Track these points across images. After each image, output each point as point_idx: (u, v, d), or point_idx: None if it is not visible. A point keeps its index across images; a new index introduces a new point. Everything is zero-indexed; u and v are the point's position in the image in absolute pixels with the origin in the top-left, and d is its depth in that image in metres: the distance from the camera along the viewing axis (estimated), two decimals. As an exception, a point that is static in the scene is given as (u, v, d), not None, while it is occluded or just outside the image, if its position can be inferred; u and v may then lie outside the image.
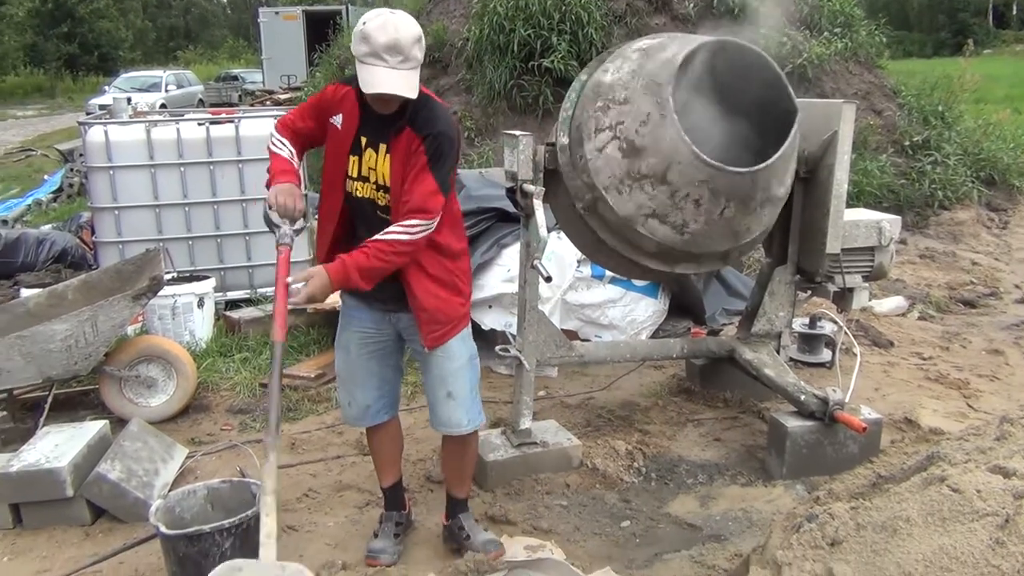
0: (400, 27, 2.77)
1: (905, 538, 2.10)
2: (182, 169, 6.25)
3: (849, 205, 4.15)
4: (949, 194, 8.82)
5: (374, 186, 2.97)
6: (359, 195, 3.01)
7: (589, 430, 4.46)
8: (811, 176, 4.10)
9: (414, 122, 2.87)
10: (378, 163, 2.94)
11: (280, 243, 2.95)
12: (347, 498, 3.90)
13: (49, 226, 8.82)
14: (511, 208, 5.09)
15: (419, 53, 2.81)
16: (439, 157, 2.88)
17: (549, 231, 3.74)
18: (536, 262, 3.60)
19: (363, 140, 2.95)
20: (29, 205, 11.11)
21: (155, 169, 6.21)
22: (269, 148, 3.11)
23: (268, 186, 3.05)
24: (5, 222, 9.82)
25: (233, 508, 3.31)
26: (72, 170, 11.65)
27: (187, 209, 6.33)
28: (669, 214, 3.59)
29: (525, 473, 3.97)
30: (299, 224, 3.03)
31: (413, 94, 2.79)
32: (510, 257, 5.39)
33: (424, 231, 2.88)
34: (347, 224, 3.10)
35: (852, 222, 4.20)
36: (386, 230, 2.86)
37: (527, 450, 4.01)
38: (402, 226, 2.85)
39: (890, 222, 4.30)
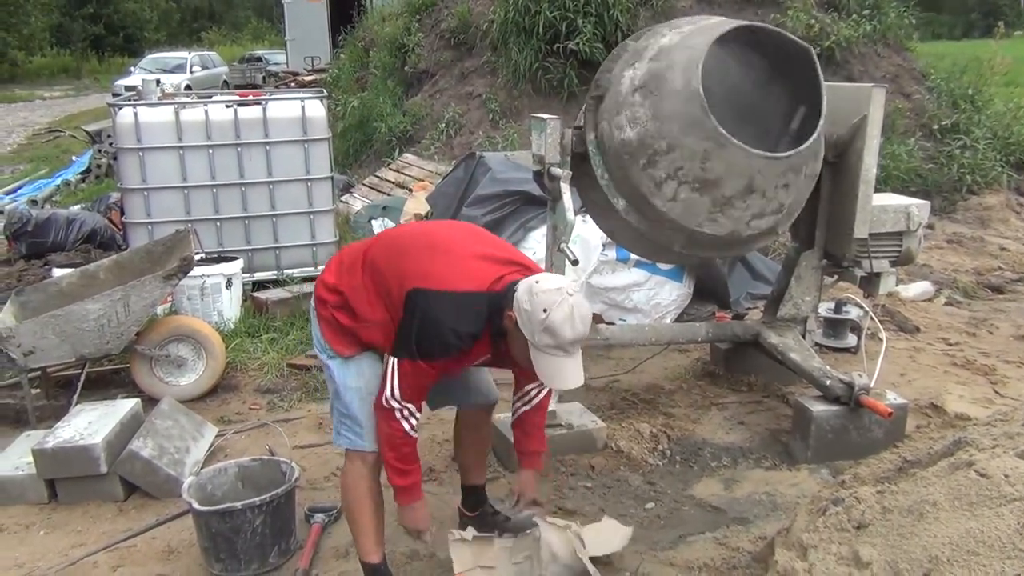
0: (586, 318, 2.56)
1: (932, 522, 2.11)
2: (210, 151, 6.30)
3: (876, 190, 4.13)
4: (978, 178, 8.72)
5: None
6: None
7: (614, 412, 4.48)
8: (839, 160, 4.08)
9: None
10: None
11: (312, 521, 3.47)
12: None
13: (78, 207, 8.91)
14: (536, 191, 5.11)
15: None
16: None
17: (575, 214, 3.75)
18: (563, 245, 3.62)
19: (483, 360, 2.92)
20: (58, 186, 11.23)
21: (183, 151, 6.26)
22: (392, 429, 2.76)
23: (401, 493, 2.87)
24: (35, 202, 9.93)
25: (263, 486, 3.37)
26: (100, 151, 11.75)
27: (215, 191, 6.38)
28: (764, 210, 3.62)
29: (550, 455, 4.00)
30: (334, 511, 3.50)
31: (583, 377, 2.65)
32: (535, 240, 5.42)
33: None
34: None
35: (880, 207, 4.18)
36: (527, 396, 3.03)
37: (552, 432, 4.03)
38: (537, 385, 2.98)
39: (919, 207, 4.28)
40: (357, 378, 2.87)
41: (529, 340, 2.55)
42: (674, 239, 3.79)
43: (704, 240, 3.73)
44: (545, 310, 2.50)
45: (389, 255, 2.84)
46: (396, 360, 2.72)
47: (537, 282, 2.57)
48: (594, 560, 2.99)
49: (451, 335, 2.63)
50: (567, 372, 2.59)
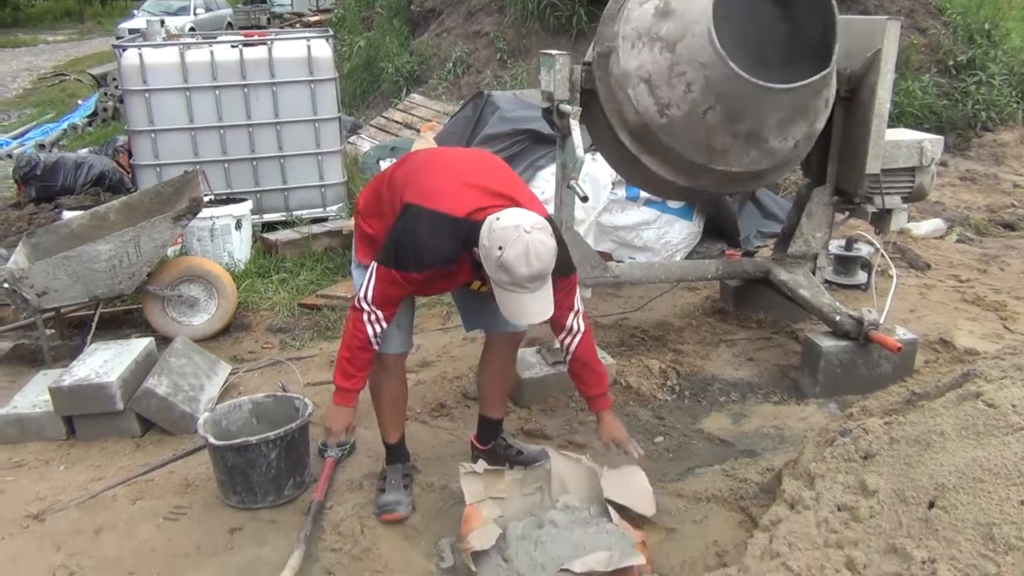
0: (542, 255, 2.54)
1: (939, 451, 2.14)
2: (216, 92, 6.27)
3: (889, 127, 4.08)
4: (993, 115, 8.61)
5: None
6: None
7: (623, 349, 4.51)
8: (852, 95, 4.03)
9: None
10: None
11: (327, 455, 3.45)
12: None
13: (86, 150, 8.90)
14: (545, 129, 5.07)
15: (555, 257, 2.63)
16: (561, 271, 2.78)
17: (585, 152, 3.73)
18: (572, 182, 3.61)
19: (477, 283, 2.94)
20: (65, 129, 11.21)
21: (190, 92, 6.23)
22: (356, 328, 2.85)
23: (338, 392, 2.97)
24: (43, 146, 9.92)
25: (277, 421, 3.42)
26: (106, 94, 11.69)
27: (222, 132, 6.36)
28: (660, 86, 3.51)
29: (560, 390, 4.04)
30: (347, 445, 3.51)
31: (552, 310, 2.68)
32: (544, 179, 5.40)
33: (580, 314, 3.02)
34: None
35: (893, 142, 4.13)
36: (566, 347, 3.05)
37: (562, 368, 4.05)
38: (568, 332, 3.01)
39: (932, 142, 4.23)
40: None
41: (489, 276, 2.61)
42: (681, 175, 3.76)
43: (713, 175, 3.70)
44: (500, 247, 2.53)
45: (406, 172, 2.93)
46: (375, 264, 2.81)
47: (498, 218, 2.59)
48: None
49: (425, 251, 2.70)
50: (528, 308, 2.63)
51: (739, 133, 3.52)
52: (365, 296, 2.81)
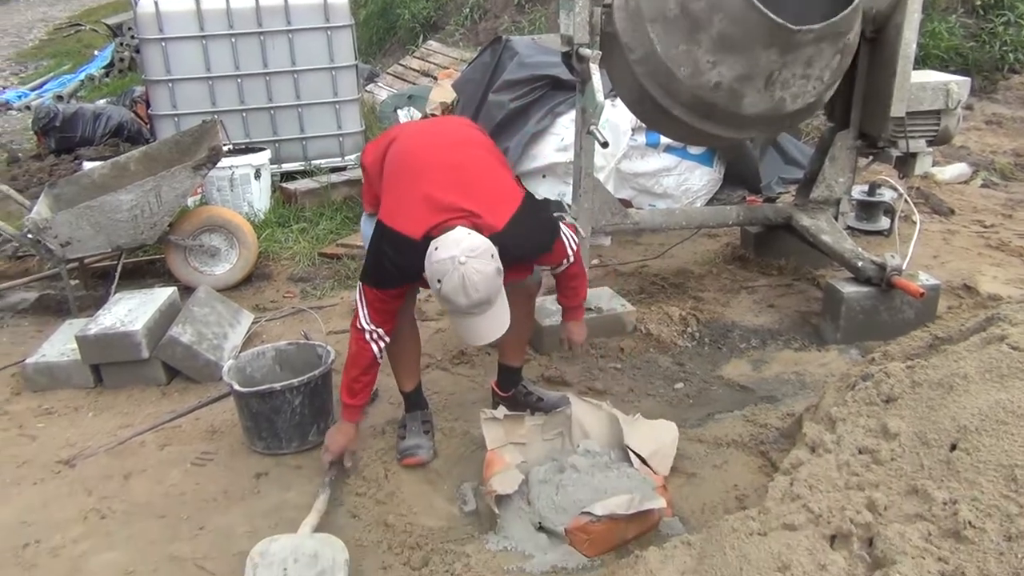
0: (479, 284, 2.54)
1: (961, 394, 2.13)
2: (233, 40, 6.22)
3: (915, 69, 4.01)
4: (1020, 56, 8.41)
5: None
6: None
7: (643, 297, 4.51)
8: (877, 36, 3.95)
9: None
10: None
11: (324, 486, 3.04)
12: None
13: (104, 101, 8.89)
14: (564, 75, 5.01)
15: (500, 277, 2.63)
16: (537, 253, 2.92)
17: (605, 97, 3.68)
18: (592, 127, 3.57)
19: None
20: (82, 80, 11.20)
21: (206, 40, 6.19)
22: (361, 349, 2.93)
23: (345, 409, 3.05)
24: (61, 98, 9.92)
25: (300, 368, 3.46)
26: (122, 44, 11.64)
27: (239, 81, 6.33)
28: (796, 87, 3.53)
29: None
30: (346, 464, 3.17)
31: (507, 323, 2.71)
32: (563, 126, 5.34)
33: (572, 256, 3.06)
34: None
35: (919, 84, 4.06)
36: (554, 271, 3.12)
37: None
38: (558, 265, 3.07)
39: (959, 84, 4.15)
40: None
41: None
42: (700, 117, 3.71)
43: (732, 118, 3.66)
44: (439, 280, 2.57)
45: (392, 159, 2.94)
46: (360, 284, 2.90)
47: (436, 248, 2.59)
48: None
49: (396, 269, 2.76)
50: (478, 331, 2.68)
51: (777, 78, 3.50)
52: (364, 319, 2.88)
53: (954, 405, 2.12)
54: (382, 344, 2.93)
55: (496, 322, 2.68)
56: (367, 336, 2.90)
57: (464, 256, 2.53)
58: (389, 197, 2.87)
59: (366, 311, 2.88)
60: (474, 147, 3.00)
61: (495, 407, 3.45)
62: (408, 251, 2.69)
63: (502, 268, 2.63)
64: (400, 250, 2.72)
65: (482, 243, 2.60)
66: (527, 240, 2.80)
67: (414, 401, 3.36)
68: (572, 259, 3.07)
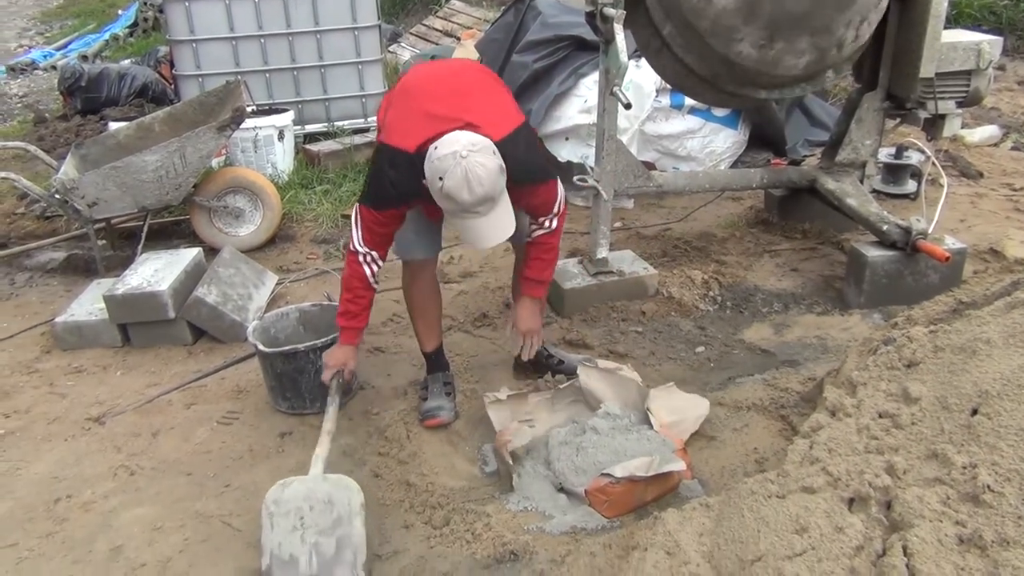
0: (483, 178, 2.49)
1: (984, 359, 2.12)
2: (256, 0, 6.20)
3: (945, 28, 3.93)
4: (1056, 16, 8.23)
5: None
6: None
7: (665, 260, 4.50)
8: (908, -6, 3.88)
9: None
10: None
11: (330, 401, 3.04)
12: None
13: (128, 61, 8.91)
14: (589, 35, 4.97)
15: (504, 175, 2.59)
16: (535, 178, 2.87)
17: (629, 58, 3.65)
18: (616, 88, 3.54)
19: None
20: (107, 40, 11.22)
21: (229, 0, 6.17)
22: (354, 271, 2.95)
23: (341, 332, 3.07)
24: (86, 58, 9.95)
25: (323, 329, 3.50)
26: (146, 3, 11.63)
27: (263, 41, 6.32)
28: (822, 46, 3.50)
29: (601, 300, 4.06)
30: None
31: (513, 227, 2.66)
32: (587, 87, 5.30)
33: (557, 217, 3.03)
34: None
35: (949, 44, 3.98)
36: (531, 233, 3.05)
37: (603, 279, 4.08)
38: (539, 226, 3.03)
39: (991, 43, 4.06)
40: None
41: (440, 207, 2.63)
42: (724, 76, 3.67)
43: (755, 78, 3.63)
44: (440, 177, 2.52)
45: (393, 99, 2.95)
46: (357, 206, 2.90)
47: (436, 147, 2.56)
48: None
49: (391, 188, 2.75)
50: (484, 232, 2.63)
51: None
52: (357, 241, 2.90)
53: (976, 370, 2.11)
54: (375, 268, 2.94)
55: (500, 223, 2.63)
56: (360, 258, 2.91)
57: (466, 151, 2.50)
58: (387, 122, 2.86)
59: (360, 233, 2.89)
60: (475, 73, 3.01)
61: (515, 370, 3.49)
62: (406, 166, 2.67)
63: (504, 166, 2.59)
64: (398, 166, 2.70)
65: (483, 140, 2.57)
66: (524, 160, 2.74)
67: (436, 362, 3.39)
68: (556, 222, 3.04)
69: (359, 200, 2.91)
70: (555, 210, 3.01)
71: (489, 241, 2.65)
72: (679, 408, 3.07)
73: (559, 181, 3.01)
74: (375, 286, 3.00)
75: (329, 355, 3.12)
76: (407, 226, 3.02)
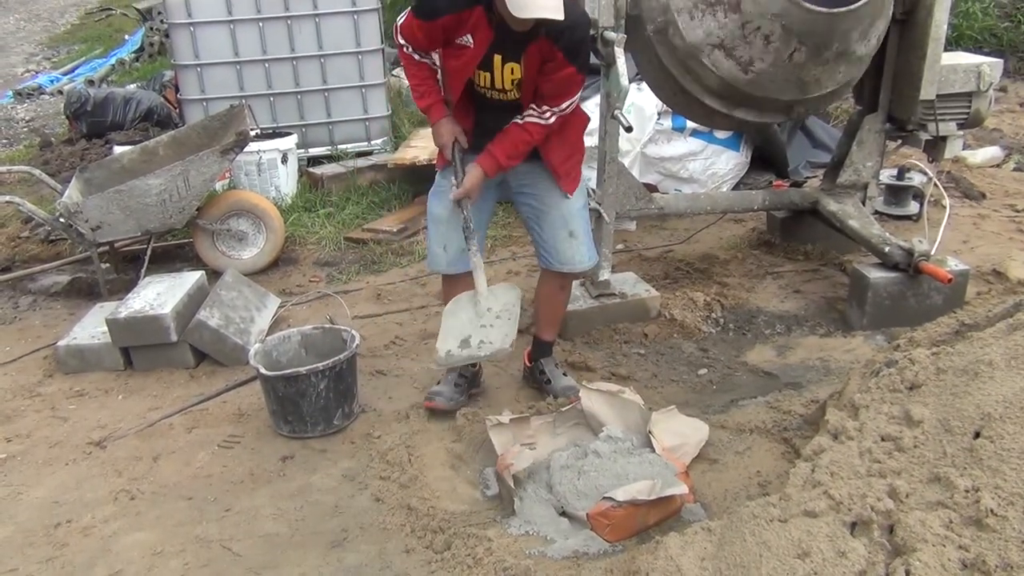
0: None
1: (986, 381, 2.12)
2: (260, 24, 6.25)
3: (946, 50, 3.95)
4: (1057, 37, 8.27)
5: (508, 93, 3.04)
6: (492, 99, 3.09)
7: (667, 282, 4.49)
8: (908, 17, 3.90)
9: (548, 29, 2.82)
10: (516, 73, 2.98)
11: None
12: (432, 345, 3.98)
13: (134, 85, 8.96)
14: (591, 59, 4.98)
15: None
16: (574, 51, 2.92)
17: (630, 81, 3.67)
18: (617, 112, 3.55)
19: (497, 57, 2.95)
20: (113, 65, 11.28)
21: (234, 25, 6.22)
22: (407, 61, 3.10)
23: (430, 116, 3.15)
24: (92, 82, 10.02)
25: (325, 352, 3.49)
26: (152, 29, 11.70)
27: (267, 65, 6.36)
28: (736, 47, 3.51)
29: (604, 323, 4.05)
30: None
31: (563, 13, 2.70)
32: (589, 110, 5.28)
33: (557, 115, 3.04)
34: (478, 116, 3.19)
35: (949, 66, 4.00)
36: (523, 115, 3.04)
37: (606, 301, 4.08)
38: (538, 112, 3.03)
39: (991, 65, 4.08)
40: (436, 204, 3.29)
41: None
42: (776, 114, 3.73)
43: (806, 103, 3.66)
44: None
45: None
46: (405, 18, 3.03)
47: None
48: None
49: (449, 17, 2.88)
50: (539, 2, 2.65)
51: (828, 58, 3.52)
52: (398, 31, 3.05)
53: (978, 392, 2.10)
54: (416, 57, 3.06)
55: (555, 1, 2.67)
56: (407, 50, 3.05)
57: None
58: None
59: (401, 24, 3.02)
60: None
61: (524, 376, 3.59)
62: None
63: None
64: None
65: None
66: (578, 21, 2.90)
67: None
68: (554, 119, 3.04)
69: (410, 11, 3.00)
70: (563, 106, 3.04)
71: (537, 11, 2.66)
72: (681, 432, 3.07)
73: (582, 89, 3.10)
74: (424, 61, 3.08)
75: (437, 134, 3.15)
76: (433, 237, 3.28)
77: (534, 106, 3.03)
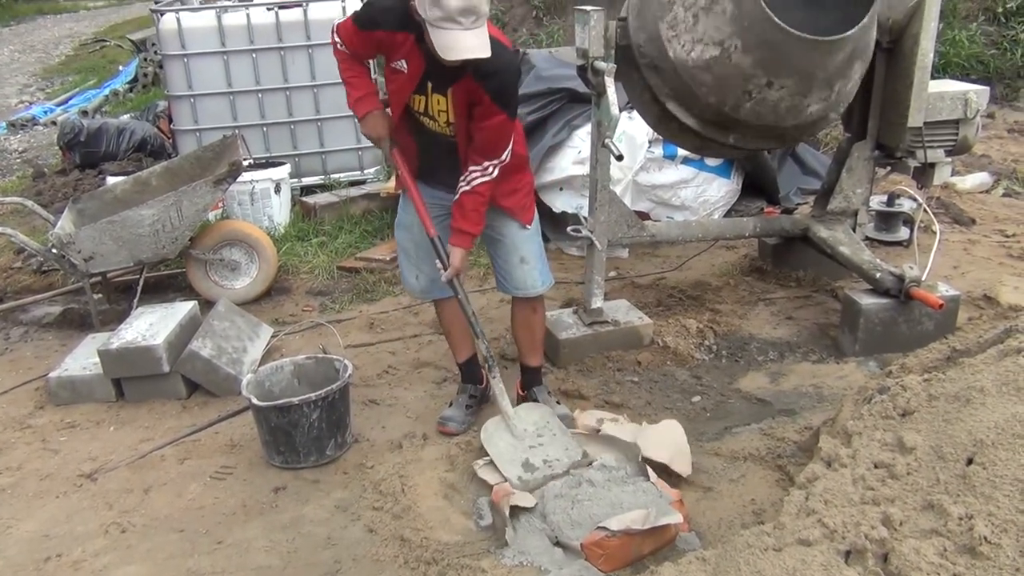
0: None
1: (978, 407, 2.12)
2: (254, 55, 6.30)
3: (933, 78, 3.99)
4: (1043, 64, 8.35)
5: (440, 123, 3.08)
6: (428, 126, 3.12)
7: (660, 309, 4.50)
8: (894, 46, 3.94)
9: (475, 70, 2.85)
10: (443, 104, 3.02)
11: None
12: (425, 374, 4.05)
13: (128, 116, 8.99)
14: (581, 88, 5.01)
15: (487, 5, 2.74)
16: (503, 97, 2.94)
17: (620, 110, 3.70)
18: (607, 140, 3.58)
19: (429, 85, 2.99)
20: (107, 96, 11.32)
21: (227, 56, 6.26)
22: (339, 56, 3.14)
23: (357, 110, 3.16)
24: (86, 113, 10.05)
25: (318, 383, 3.48)
26: (145, 59, 11.76)
27: (260, 96, 6.40)
28: (812, 99, 3.57)
29: (597, 351, 4.05)
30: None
31: (488, 52, 2.74)
32: (580, 139, 5.35)
33: (499, 166, 3.07)
34: (420, 147, 3.24)
35: (937, 94, 4.04)
36: (469, 179, 3.07)
37: (599, 328, 4.09)
38: (480, 170, 3.06)
39: (977, 93, 4.12)
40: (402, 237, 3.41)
41: (424, 20, 2.71)
42: (772, 141, 3.75)
43: (745, 128, 3.68)
44: None
45: None
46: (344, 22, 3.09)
47: None
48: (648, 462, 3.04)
49: (376, 10, 2.94)
50: (464, 43, 2.69)
51: (815, 86, 3.57)
52: (334, 28, 3.09)
53: (971, 419, 2.11)
54: (344, 51, 3.09)
55: (478, 42, 2.71)
56: (340, 47, 3.09)
57: None
58: None
59: (340, 34, 3.06)
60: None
61: (517, 403, 3.55)
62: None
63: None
64: None
65: None
66: (506, 63, 2.91)
67: (465, 373, 3.67)
68: (497, 171, 3.06)
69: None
70: (502, 156, 3.06)
71: (466, 52, 2.70)
72: (667, 441, 3.09)
73: (520, 129, 3.17)
74: (346, 52, 3.10)
75: (368, 126, 3.17)
76: (405, 266, 3.43)
77: (475, 166, 3.06)
